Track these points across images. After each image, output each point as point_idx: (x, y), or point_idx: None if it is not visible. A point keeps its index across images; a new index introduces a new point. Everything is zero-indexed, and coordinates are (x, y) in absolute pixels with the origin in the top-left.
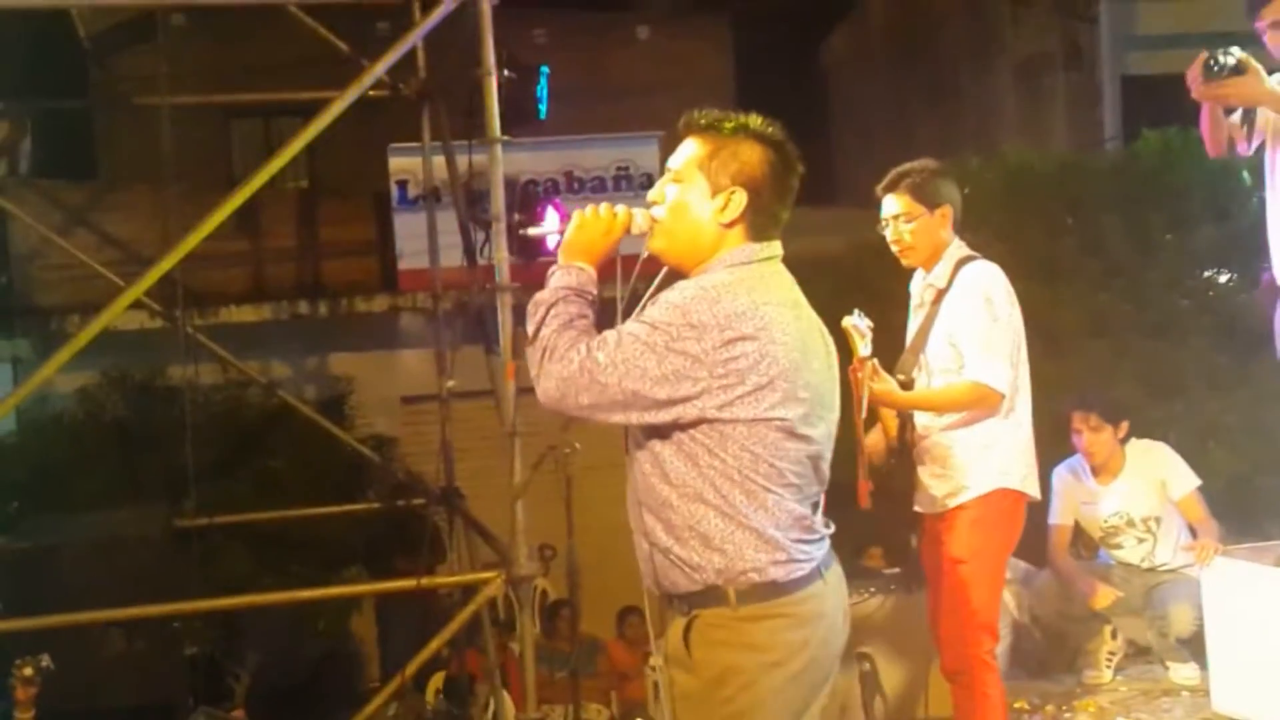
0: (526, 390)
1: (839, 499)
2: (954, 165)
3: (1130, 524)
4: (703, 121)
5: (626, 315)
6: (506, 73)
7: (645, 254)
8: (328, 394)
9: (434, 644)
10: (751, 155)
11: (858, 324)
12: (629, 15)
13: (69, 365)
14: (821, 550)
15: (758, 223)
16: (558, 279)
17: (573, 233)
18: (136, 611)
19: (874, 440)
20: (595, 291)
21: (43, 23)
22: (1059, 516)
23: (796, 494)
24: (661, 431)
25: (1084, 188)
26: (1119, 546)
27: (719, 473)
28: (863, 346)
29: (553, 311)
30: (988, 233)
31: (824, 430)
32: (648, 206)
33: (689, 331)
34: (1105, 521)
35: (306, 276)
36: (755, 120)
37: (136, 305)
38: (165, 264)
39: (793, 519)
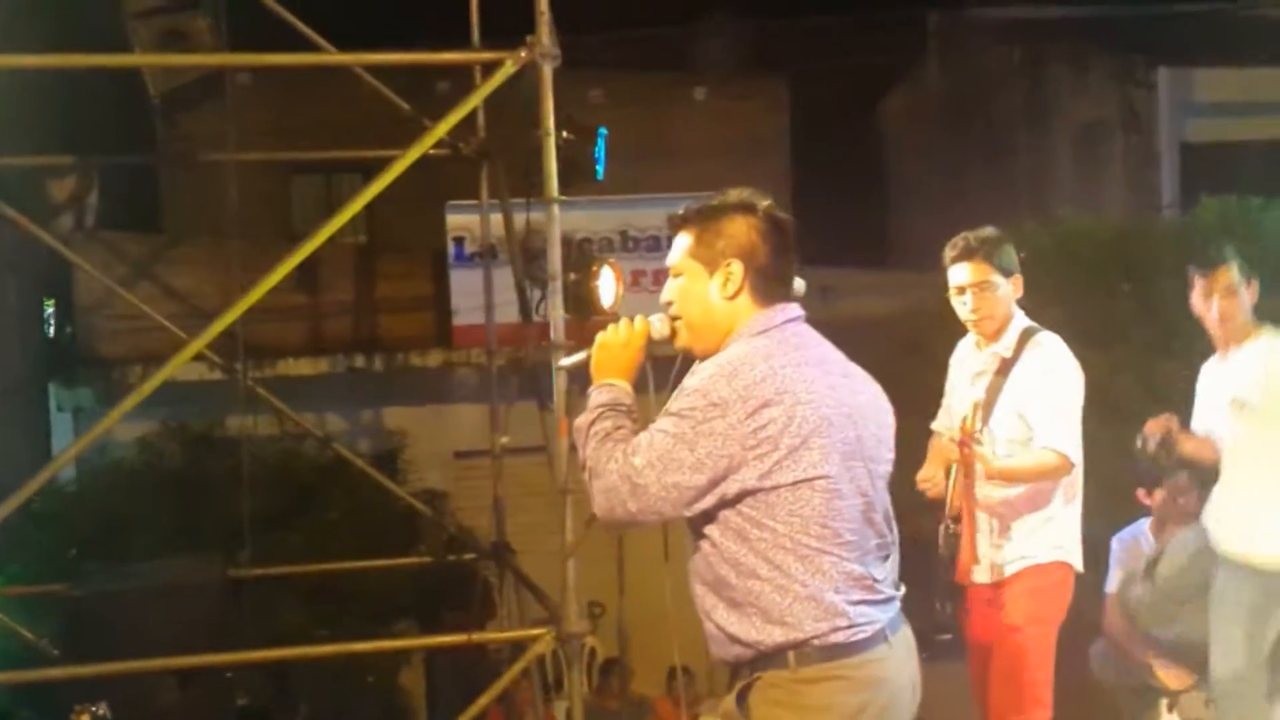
0: None
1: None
2: (1010, 229)
3: None
4: (683, 215)
5: (680, 377)
6: (565, 134)
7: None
8: (381, 447)
9: (483, 700)
10: (734, 227)
11: (978, 397)
12: (686, 76)
13: (129, 415)
14: (887, 613)
15: (762, 286)
16: (592, 399)
17: (596, 354)
18: (191, 661)
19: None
20: (629, 402)
21: (114, 81)
22: (1119, 584)
23: (854, 551)
24: (708, 513)
25: (1141, 253)
26: None
27: (770, 544)
28: (977, 420)
29: (591, 431)
30: (1042, 297)
31: (874, 483)
32: (665, 311)
33: (713, 411)
34: None
35: (363, 331)
36: (732, 194)
37: (197, 357)
38: (228, 318)
39: (851, 580)
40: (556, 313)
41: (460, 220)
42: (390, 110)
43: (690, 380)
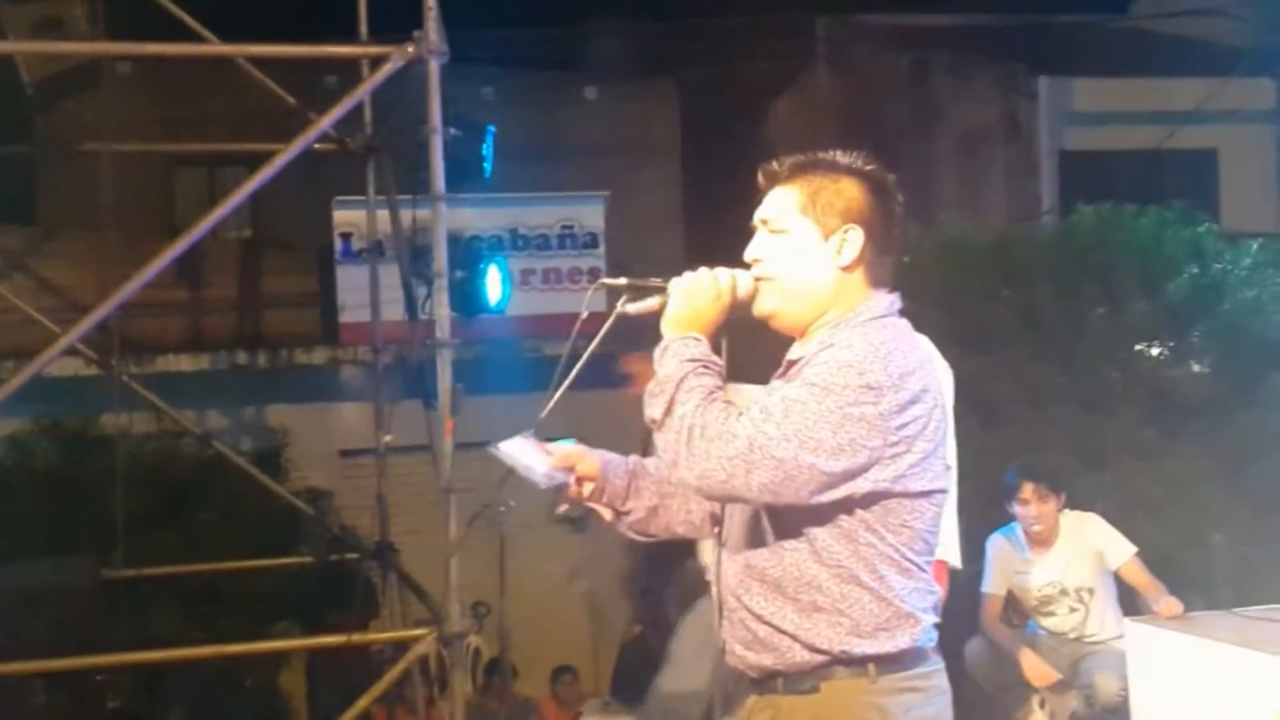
0: (463, 446)
1: None
2: None
3: (1064, 594)
4: (790, 167)
5: (564, 376)
6: (453, 130)
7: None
8: (264, 446)
9: (363, 701)
10: (854, 190)
11: None
12: (577, 76)
13: None
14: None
15: (874, 263)
16: (676, 351)
17: (681, 303)
18: (59, 664)
19: None
20: (721, 363)
21: None
22: (992, 585)
23: (930, 566)
24: (820, 509)
25: (1020, 260)
26: (1051, 615)
27: (877, 553)
28: None
29: (684, 386)
30: (924, 302)
31: None
32: (746, 268)
33: (866, 395)
34: (1039, 591)
35: (246, 327)
36: (843, 156)
37: (71, 352)
38: (100, 310)
39: (932, 602)
40: (442, 310)
41: (347, 216)
42: (277, 104)
43: (836, 352)
